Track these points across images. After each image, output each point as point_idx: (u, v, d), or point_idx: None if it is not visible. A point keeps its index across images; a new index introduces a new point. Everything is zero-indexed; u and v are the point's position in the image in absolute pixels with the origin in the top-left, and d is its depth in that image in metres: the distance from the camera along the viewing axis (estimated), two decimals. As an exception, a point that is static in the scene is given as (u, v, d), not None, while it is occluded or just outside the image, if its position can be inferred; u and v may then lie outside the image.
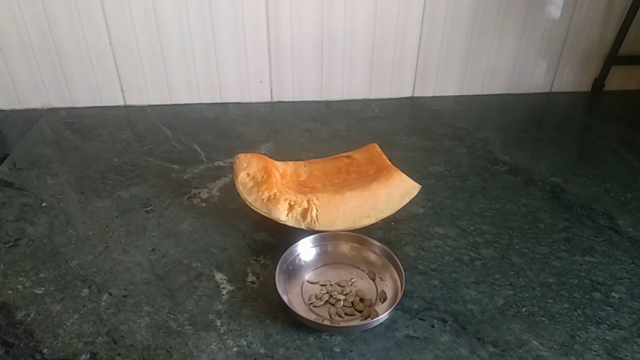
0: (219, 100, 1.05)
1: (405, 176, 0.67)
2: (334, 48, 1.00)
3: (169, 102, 1.04)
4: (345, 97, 1.07)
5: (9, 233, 0.68)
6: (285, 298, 0.54)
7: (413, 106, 1.07)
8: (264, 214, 0.64)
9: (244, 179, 0.66)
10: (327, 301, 0.57)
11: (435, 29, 1.01)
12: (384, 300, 0.57)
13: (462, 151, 0.89)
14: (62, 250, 0.65)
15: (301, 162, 0.74)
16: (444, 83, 1.08)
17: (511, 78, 1.09)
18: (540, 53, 1.06)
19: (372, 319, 0.53)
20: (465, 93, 1.10)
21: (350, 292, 0.58)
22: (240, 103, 1.05)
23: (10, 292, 0.58)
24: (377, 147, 0.74)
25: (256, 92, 1.04)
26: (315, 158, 0.75)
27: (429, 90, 1.08)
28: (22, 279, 0.60)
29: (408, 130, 0.97)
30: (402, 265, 0.58)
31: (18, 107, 1.02)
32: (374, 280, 0.60)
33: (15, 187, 0.77)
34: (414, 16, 0.99)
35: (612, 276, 0.61)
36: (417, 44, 1.02)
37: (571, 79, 1.11)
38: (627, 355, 0.51)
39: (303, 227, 0.63)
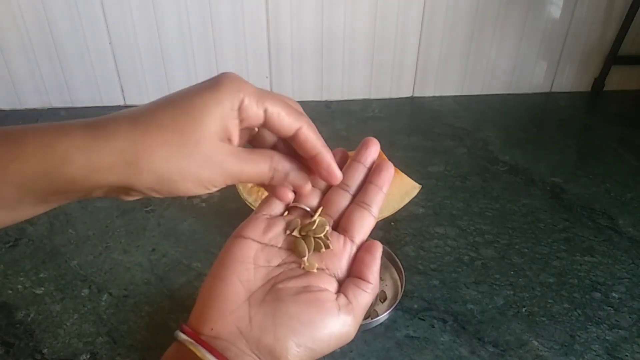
0: (219, 100, 1.04)
1: (405, 176, 0.67)
2: (334, 48, 1.00)
3: (169, 102, 1.03)
4: (345, 97, 1.07)
5: (9, 233, 0.68)
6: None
7: (413, 106, 1.06)
8: (264, 214, 0.64)
9: (244, 179, 0.66)
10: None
11: (435, 29, 1.01)
12: (384, 300, 0.57)
13: (462, 151, 0.89)
14: (62, 250, 0.65)
15: (301, 162, 0.74)
16: (444, 83, 1.08)
17: (511, 78, 1.09)
18: (540, 53, 1.06)
19: (372, 319, 0.53)
20: (465, 93, 1.09)
21: (350, 292, 0.58)
22: (240, 103, 1.05)
23: (10, 292, 0.58)
24: (377, 147, 0.74)
25: (256, 92, 1.04)
26: (315, 158, 0.75)
27: (429, 90, 1.08)
28: (22, 279, 0.60)
29: (408, 130, 0.97)
30: (402, 265, 0.58)
31: (18, 107, 1.02)
32: (374, 280, 0.60)
33: (15, 187, 0.77)
34: (414, 16, 0.98)
35: (612, 276, 0.61)
36: (417, 44, 1.02)
37: (571, 79, 1.11)
38: (627, 355, 0.51)
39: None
